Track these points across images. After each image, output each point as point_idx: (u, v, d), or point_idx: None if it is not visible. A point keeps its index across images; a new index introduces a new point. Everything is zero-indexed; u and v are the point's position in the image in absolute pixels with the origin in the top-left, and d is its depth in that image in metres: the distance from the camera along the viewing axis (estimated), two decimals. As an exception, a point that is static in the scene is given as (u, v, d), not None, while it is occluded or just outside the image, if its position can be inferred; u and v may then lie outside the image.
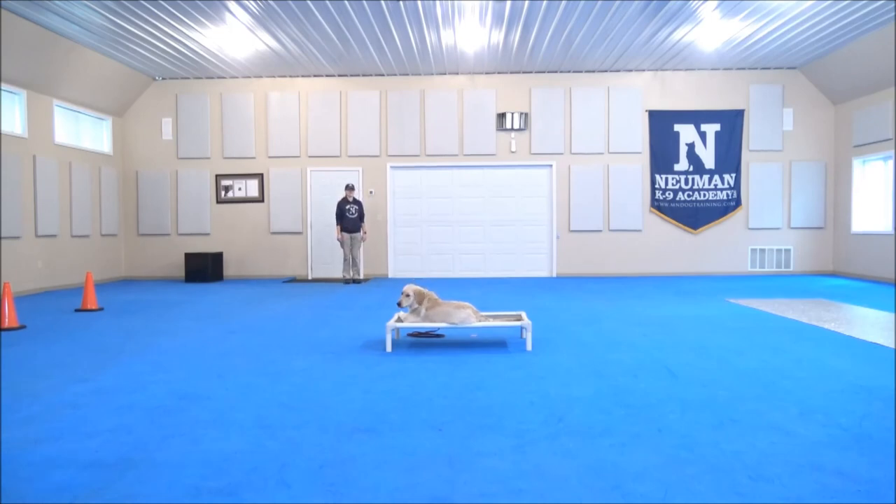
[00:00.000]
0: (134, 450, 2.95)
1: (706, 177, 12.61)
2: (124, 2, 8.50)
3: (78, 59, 10.50)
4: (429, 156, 12.73)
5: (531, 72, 12.58)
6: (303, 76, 12.69)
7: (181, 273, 12.80)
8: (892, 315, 7.01)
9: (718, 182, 12.59)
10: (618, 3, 8.83)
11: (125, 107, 12.68)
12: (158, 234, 12.90)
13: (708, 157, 12.60)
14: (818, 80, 12.19)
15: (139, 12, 8.90)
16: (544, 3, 8.82)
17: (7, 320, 6.59)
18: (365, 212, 12.07)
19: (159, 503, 2.40)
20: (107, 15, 8.97)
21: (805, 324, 6.49)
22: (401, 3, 8.69)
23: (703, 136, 12.59)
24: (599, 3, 8.83)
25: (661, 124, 12.61)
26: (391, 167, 12.78)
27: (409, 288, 5.52)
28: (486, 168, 12.79)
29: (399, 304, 5.50)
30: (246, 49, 10.83)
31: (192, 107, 12.79)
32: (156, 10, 8.86)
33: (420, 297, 5.45)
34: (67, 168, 11.08)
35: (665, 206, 12.63)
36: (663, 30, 10.03)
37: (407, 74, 12.62)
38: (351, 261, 11.65)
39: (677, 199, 12.62)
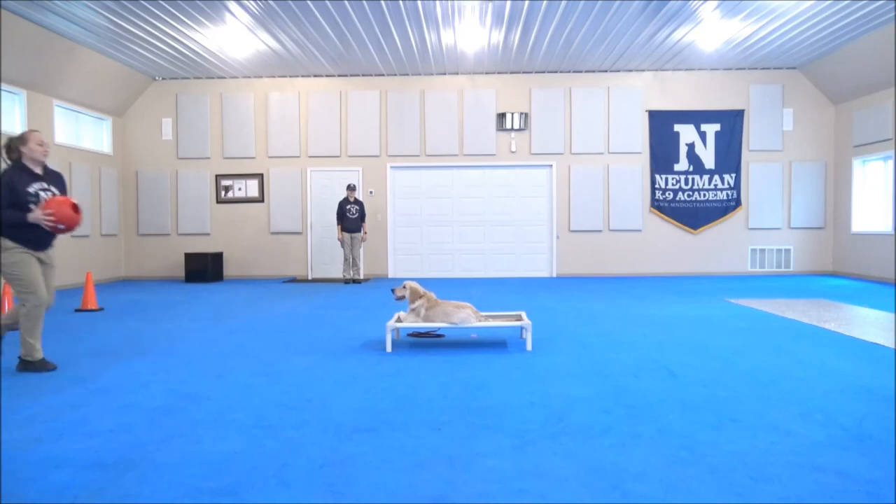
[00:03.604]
0: (134, 450, 2.95)
1: (706, 177, 12.61)
2: (124, 2, 8.50)
3: (78, 59, 10.50)
4: (429, 156, 12.73)
5: (531, 72, 12.57)
6: (303, 76, 12.69)
7: (181, 273, 12.80)
8: (892, 315, 7.01)
9: (718, 182, 12.58)
10: (618, 3, 8.83)
11: (125, 107, 12.68)
12: (158, 234, 12.90)
13: (708, 157, 12.60)
14: (818, 80, 12.19)
15: (139, 12, 8.90)
16: (544, 3, 8.82)
17: (7, 320, 6.59)
18: (366, 212, 12.08)
19: (159, 503, 2.40)
20: (107, 15, 8.97)
21: (805, 324, 6.49)
22: (401, 2, 8.69)
23: (703, 136, 12.59)
24: (599, 3, 8.83)
25: (661, 124, 12.61)
26: (391, 167, 12.78)
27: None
28: (486, 168, 12.79)
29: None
30: (246, 49, 10.83)
31: (192, 107, 12.79)
32: (156, 10, 8.86)
33: (415, 295, 5.50)
34: (67, 168, 11.07)
35: (665, 206, 12.62)
36: (663, 30, 10.03)
37: (407, 74, 12.62)
38: (351, 261, 11.65)
39: (677, 199, 12.61)
